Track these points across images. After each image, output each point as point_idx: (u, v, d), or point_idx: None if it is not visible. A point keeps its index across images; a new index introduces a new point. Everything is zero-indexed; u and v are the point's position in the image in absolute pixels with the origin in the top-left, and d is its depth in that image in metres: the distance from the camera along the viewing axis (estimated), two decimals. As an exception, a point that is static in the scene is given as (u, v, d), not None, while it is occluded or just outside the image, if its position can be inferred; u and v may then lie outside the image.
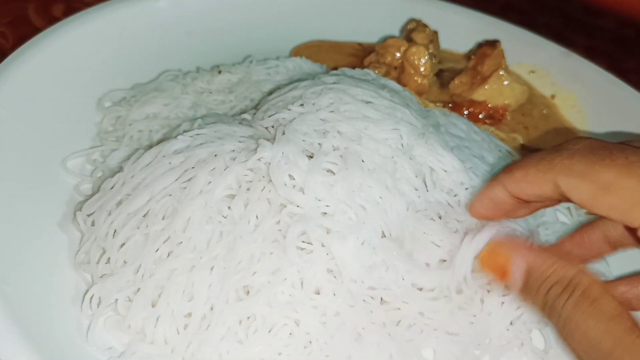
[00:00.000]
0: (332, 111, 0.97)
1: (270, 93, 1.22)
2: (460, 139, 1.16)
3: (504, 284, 0.78)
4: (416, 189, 0.94)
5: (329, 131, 0.94)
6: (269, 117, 1.00)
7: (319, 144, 0.92)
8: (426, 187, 0.95)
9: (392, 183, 0.92)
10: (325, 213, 0.86)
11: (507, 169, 0.77)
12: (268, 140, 0.93)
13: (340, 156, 0.91)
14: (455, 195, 0.96)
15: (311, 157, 0.91)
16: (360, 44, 1.51)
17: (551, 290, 0.69)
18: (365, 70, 1.22)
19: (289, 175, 0.87)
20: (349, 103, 0.97)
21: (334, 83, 1.04)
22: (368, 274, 0.85)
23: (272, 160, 0.88)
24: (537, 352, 0.89)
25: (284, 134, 0.93)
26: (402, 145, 0.96)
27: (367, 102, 1.00)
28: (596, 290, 0.67)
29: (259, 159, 0.89)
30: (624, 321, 0.64)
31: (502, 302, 0.89)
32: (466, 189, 0.96)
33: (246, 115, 1.08)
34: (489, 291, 0.89)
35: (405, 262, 0.86)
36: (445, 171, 0.97)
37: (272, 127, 1.00)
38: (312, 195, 0.86)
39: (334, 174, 0.89)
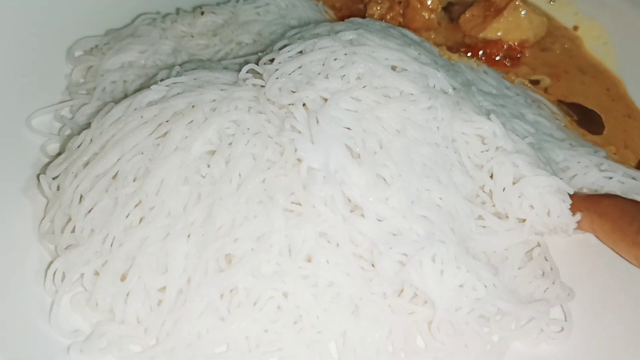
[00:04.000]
0: (364, 86, 0.84)
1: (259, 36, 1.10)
2: (494, 97, 1.05)
3: None
4: (466, 174, 0.86)
5: (366, 116, 0.82)
6: (291, 93, 0.84)
7: (362, 140, 0.80)
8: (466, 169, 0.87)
9: (446, 177, 0.82)
10: (392, 234, 0.76)
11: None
12: (297, 129, 0.80)
13: (389, 155, 0.79)
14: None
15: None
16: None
17: None
18: (377, 21, 1.09)
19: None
20: (381, 76, 0.85)
21: (353, 40, 0.90)
22: (459, 294, 0.75)
23: (321, 167, 0.76)
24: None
25: (317, 122, 0.79)
26: (442, 120, 0.85)
27: (398, 70, 0.87)
28: None
29: (306, 166, 0.76)
30: None
31: (515, 276, 0.82)
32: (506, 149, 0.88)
33: (254, 66, 0.90)
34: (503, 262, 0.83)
35: (491, 273, 0.78)
36: (483, 139, 0.88)
37: (292, 104, 0.83)
38: (373, 217, 0.76)
39: (385, 180, 0.78)
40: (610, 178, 0.97)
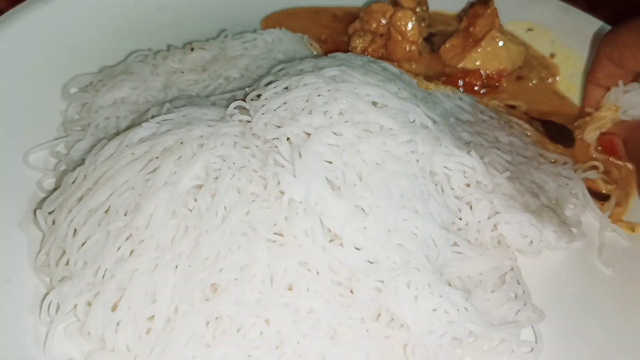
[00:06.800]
0: (346, 121, 0.89)
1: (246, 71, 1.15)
2: (471, 125, 1.11)
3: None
4: (443, 204, 0.91)
5: (347, 151, 0.86)
6: (276, 128, 0.88)
7: (343, 173, 0.84)
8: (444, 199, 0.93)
9: (423, 207, 0.86)
10: (370, 262, 0.80)
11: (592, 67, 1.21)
12: (280, 163, 0.84)
13: (368, 187, 0.84)
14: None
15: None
16: (335, 15, 1.42)
17: None
18: (359, 56, 1.14)
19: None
20: (362, 111, 0.89)
21: (336, 76, 0.95)
22: (432, 318, 0.79)
23: (302, 199, 0.80)
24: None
25: (300, 156, 0.83)
26: (422, 154, 0.90)
27: (379, 105, 0.92)
28: None
29: (288, 198, 0.81)
30: None
31: (488, 299, 0.86)
32: (485, 185, 0.94)
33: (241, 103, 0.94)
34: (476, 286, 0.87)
35: (463, 297, 0.82)
36: (464, 173, 0.94)
37: (277, 139, 0.87)
38: (352, 246, 0.80)
39: (364, 210, 0.82)
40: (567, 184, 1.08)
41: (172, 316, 0.77)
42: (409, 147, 0.90)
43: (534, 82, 1.31)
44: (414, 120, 0.93)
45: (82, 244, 0.82)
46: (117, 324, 0.76)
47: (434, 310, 0.79)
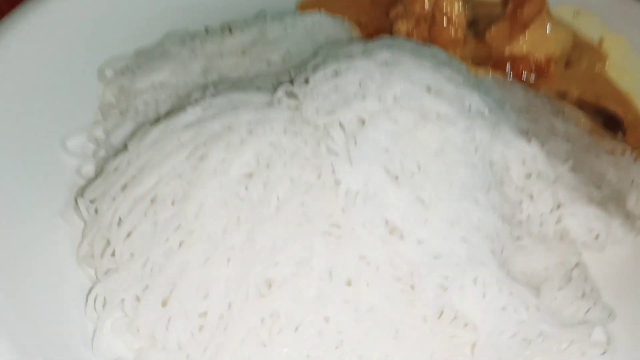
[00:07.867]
0: (402, 107, 0.83)
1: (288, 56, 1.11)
2: (525, 111, 1.06)
3: None
4: (504, 195, 0.86)
5: (405, 138, 0.81)
6: (327, 113, 0.83)
7: (401, 161, 0.79)
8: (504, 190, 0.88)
9: (485, 198, 0.82)
10: (433, 257, 0.76)
11: None
12: (334, 151, 0.79)
13: (427, 177, 0.79)
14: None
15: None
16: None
17: None
18: (408, 40, 1.09)
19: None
20: (418, 97, 0.85)
21: (388, 60, 0.90)
22: (502, 318, 0.75)
23: (360, 189, 0.76)
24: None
25: (355, 143, 0.79)
26: (480, 143, 0.85)
27: (433, 91, 0.87)
28: None
29: (345, 188, 0.76)
30: None
31: (555, 297, 0.81)
32: (547, 175, 0.90)
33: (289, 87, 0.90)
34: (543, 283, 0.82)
35: (533, 295, 0.77)
36: (523, 162, 0.89)
37: (329, 124, 0.83)
38: (413, 240, 0.76)
39: (424, 202, 0.78)
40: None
41: (225, 313, 0.73)
42: (467, 135, 0.85)
43: (583, 67, 1.25)
44: (470, 107, 0.89)
45: (128, 235, 0.78)
46: (168, 320, 0.72)
47: (503, 308, 0.75)
